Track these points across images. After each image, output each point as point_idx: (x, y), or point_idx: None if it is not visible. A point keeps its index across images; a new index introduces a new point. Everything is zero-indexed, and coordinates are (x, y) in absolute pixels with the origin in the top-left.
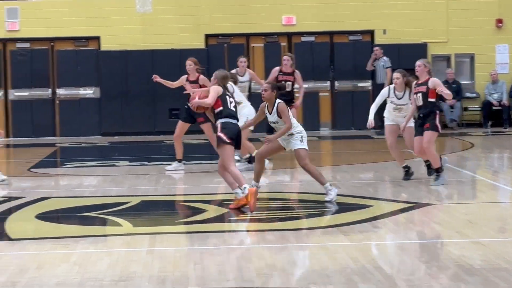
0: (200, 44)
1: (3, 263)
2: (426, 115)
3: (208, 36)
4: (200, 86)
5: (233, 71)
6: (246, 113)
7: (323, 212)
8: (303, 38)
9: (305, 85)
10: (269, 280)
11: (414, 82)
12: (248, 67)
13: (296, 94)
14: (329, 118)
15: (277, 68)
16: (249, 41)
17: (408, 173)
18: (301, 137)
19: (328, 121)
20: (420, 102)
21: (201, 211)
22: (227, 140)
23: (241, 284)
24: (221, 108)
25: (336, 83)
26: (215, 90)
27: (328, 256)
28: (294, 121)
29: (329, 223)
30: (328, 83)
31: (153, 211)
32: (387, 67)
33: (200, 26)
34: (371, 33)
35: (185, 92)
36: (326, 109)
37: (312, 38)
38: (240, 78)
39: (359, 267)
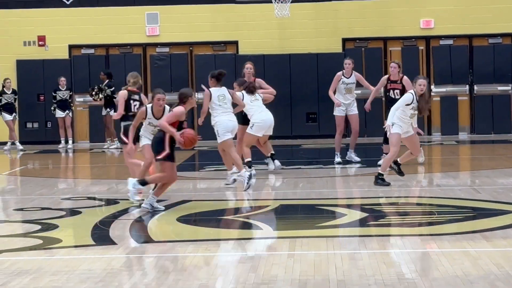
0: (337, 48)
1: (146, 265)
2: None
3: (345, 40)
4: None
5: (339, 73)
6: None
7: (464, 218)
8: (442, 42)
9: (443, 89)
10: (411, 286)
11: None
12: (385, 70)
13: None
14: (467, 123)
15: (386, 76)
16: (386, 45)
17: None
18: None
19: (466, 125)
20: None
21: (341, 215)
22: None
23: None
24: None
25: (475, 87)
26: None
27: (471, 262)
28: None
29: (471, 229)
30: (467, 87)
31: (293, 215)
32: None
33: (337, 30)
34: (511, 36)
35: None
36: (465, 113)
37: (450, 42)
38: (345, 80)
39: (503, 273)
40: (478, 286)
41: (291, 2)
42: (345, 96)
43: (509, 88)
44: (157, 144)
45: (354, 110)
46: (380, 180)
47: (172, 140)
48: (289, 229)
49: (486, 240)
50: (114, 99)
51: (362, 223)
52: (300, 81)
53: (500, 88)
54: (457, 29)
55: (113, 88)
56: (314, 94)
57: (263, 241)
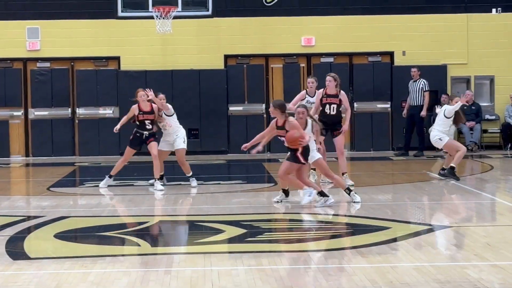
0: (219, 64)
1: (22, 282)
2: None
3: (227, 57)
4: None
5: (303, 92)
6: None
7: (340, 234)
8: (323, 59)
9: None
10: None
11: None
12: (267, 87)
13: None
14: (348, 140)
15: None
16: (268, 61)
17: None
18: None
19: (347, 142)
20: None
21: (219, 231)
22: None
23: None
24: None
25: (355, 104)
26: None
27: (346, 278)
28: None
29: (348, 245)
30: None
31: (171, 231)
32: (426, 91)
33: (219, 46)
34: (390, 54)
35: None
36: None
37: (331, 59)
38: (310, 99)
39: None
40: None
41: (173, 18)
42: None
43: (388, 106)
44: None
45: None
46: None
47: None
48: (167, 245)
49: (361, 256)
50: None
51: (240, 239)
52: (182, 97)
53: (379, 105)
54: (338, 47)
55: None
56: (196, 110)
57: (140, 257)
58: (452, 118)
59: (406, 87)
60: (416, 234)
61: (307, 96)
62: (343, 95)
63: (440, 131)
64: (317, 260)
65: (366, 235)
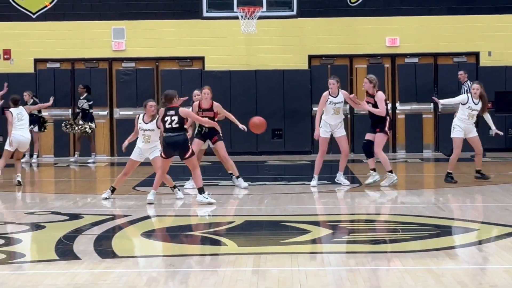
0: (303, 65)
1: (111, 280)
2: None
3: (311, 57)
4: (215, 113)
5: (325, 93)
6: None
7: (427, 235)
8: (407, 60)
9: (408, 107)
10: None
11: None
12: (351, 88)
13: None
14: (432, 141)
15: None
16: (352, 62)
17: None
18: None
19: (431, 143)
20: None
21: (305, 231)
22: None
23: None
24: None
25: (440, 105)
26: None
27: (435, 280)
28: None
29: (435, 246)
30: (432, 105)
31: (257, 231)
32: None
33: (303, 47)
34: (476, 54)
35: None
36: (429, 131)
37: (416, 60)
38: (332, 99)
39: None
40: None
41: (258, 18)
42: (333, 117)
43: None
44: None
45: (341, 132)
46: (449, 178)
47: None
48: (254, 245)
49: (449, 258)
50: (90, 112)
51: (327, 240)
52: (266, 97)
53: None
54: (422, 48)
55: (91, 102)
56: (280, 111)
57: (227, 257)
58: (469, 107)
59: (493, 87)
60: (505, 236)
61: (329, 96)
62: (379, 95)
63: (457, 119)
64: (404, 261)
65: (453, 236)
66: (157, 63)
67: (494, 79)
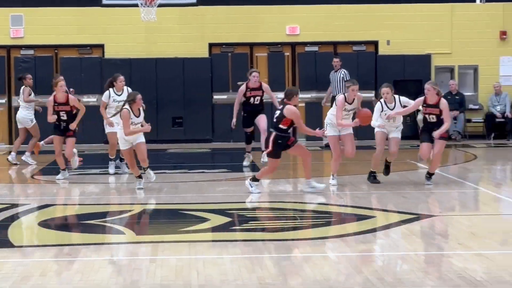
0: (203, 53)
1: (6, 270)
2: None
3: (212, 45)
4: None
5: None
6: None
7: (326, 223)
8: (307, 48)
9: (308, 95)
10: None
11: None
12: None
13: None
14: None
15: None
16: (253, 50)
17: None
18: None
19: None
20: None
21: (204, 220)
22: None
23: None
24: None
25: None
26: None
27: (331, 267)
28: None
29: (332, 234)
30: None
31: (156, 220)
32: (346, 81)
33: (204, 35)
34: (375, 43)
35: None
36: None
37: (315, 48)
38: (347, 107)
39: (362, 277)
40: None
41: (158, 6)
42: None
43: (372, 95)
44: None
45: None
46: (372, 177)
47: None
48: (152, 233)
49: (346, 245)
50: None
51: (225, 228)
52: (166, 85)
53: (363, 94)
54: (322, 36)
55: None
56: (180, 99)
57: (125, 246)
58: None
59: (391, 76)
60: (401, 223)
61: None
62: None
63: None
64: (302, 249)
65: (350, 224)
66: (56, 51)
67: (392, 68)
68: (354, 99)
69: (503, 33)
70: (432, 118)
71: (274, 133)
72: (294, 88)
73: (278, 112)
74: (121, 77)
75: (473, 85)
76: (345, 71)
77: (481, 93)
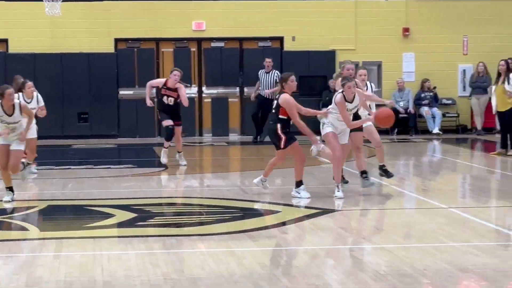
0: (109, 48)
1: None
2: None
3: (117, 40)
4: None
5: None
6: None
7: (231, 218)
8: (213, 44)
9: (214, 91)
10: (177, 285)
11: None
12: (158, 72)
13: None
14: (238, 124)
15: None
16: (159, 46)
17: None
18: None
19: (237, 127)
20: None
21: (110, 215)
22: None
23: None
24: None
25: (246, 89)
26: None
27: (236, 262)
28: None
29: (238, 229)
30: (238, 89)
31: (60, 216)
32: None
33: (110, 30)
34: (280, 39)
35: None
36: (235, 115)
37: (221, 44)
38: (349, 106)
39: (266, 272)
40: (242, 285)
41: (63, 1)
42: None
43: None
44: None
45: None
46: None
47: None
48: (56, 230)
49: (251, 240)
50: None
51: (130, 223)
52: (72, 80)
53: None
54: (228, 32)
55: None
56: (86, 94)
57: (28, 242)
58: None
59: (297, 72)
60: (306, 217)
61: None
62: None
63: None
64: (207, 244)
65: (256, 218)
66: None
67: (297, 64)
68: (354, 96)
69: (406, 30)
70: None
71: (278, 125)
72: (286, 73)
73: (275, 102)
74: (29, 83)
75: (377, 81)
76: (278, 72)
77: (385, 89)
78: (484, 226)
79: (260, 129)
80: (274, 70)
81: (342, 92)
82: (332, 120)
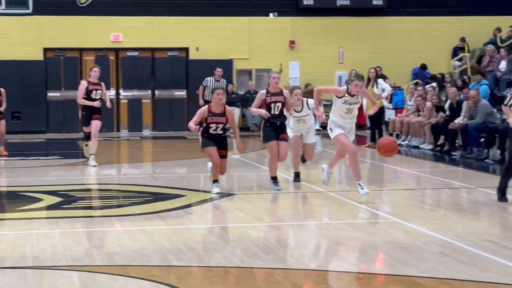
0: (39, 56)
1: None
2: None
3: (46, 50)
4: None
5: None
6: None
7: (144, 201)
8: (129, 53)
9: (130, 93)
10: (96, 259)
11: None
12: (81, 77)
13: None
14: (150, 121)
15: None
16: (82, 54)
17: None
18: None
19: (149, 123)
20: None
21: (38, 200)
22: None
23: (71, 262)
24: None
25: (157, 92)
26: None
27: (148, 239)
28: None
29: (149, 210)
30: (150, 92)
31: None
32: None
33: (40, 41)
34: (186, 50)
35: None
36: (148, 113)
37: (136, 53)
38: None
39: (174, 247)
40: (152, 258)
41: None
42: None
43: (184, 93)
44: None
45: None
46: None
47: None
48: None
49: (161, 220)
50: None
51: (57, 206)
52: (6, 84)
53: (177, 93)
54: (142, 43)
55: None
56: (19, 96)
57: None
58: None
59: (200, 77)
60: (207, 201)
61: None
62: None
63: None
64: (123, 223)
65: (165, 201)
66: None
67: (201, 71)
68: (357, 94)
69: (292, 42)
70: None
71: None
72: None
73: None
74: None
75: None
76: (226, 81)
77: None
78: (357, 206)
79: None
80: (223, 80)
81: (348, 85)
82: (337, 120)
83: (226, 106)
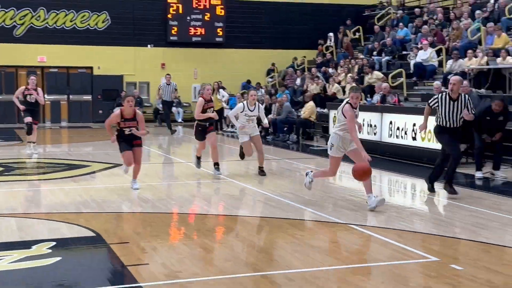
0: None
1: None
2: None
3: None
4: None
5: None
6: None
7: (62, 169)
8: (51, 70)
9: (52, 97)
10: (29, 208)
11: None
12: (17, 87)
13: None
14: (66, 116)
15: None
16: (17, 70)
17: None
18: None
19: (66, 117)
20: None
21: None
22: None
23: (10, 211)
24: None
25: (71, 96)
26: None
27: (65, 195)
28: None
29: (66, 176)
30: (66, 96)
31: None
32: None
33: None
34: (91, 68)
35: None
36: (65, 110)
37: (56, 70)
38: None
39: (83, 200)
40: (68, 208)
41: None
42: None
43: (90, 97)
44: None
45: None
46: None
47: None
48: None
49: (74, 182)
50: None
51: (1, 173)
52: None
53: (84, 97)
54: (61, 62)
55: None
56: None
57: None
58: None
59: (102, 87)
60: (109, 168)
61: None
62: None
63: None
64: (47, 185)
65: (77, 169)
66: None
67: (102, 83)
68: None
69: (163, 64)
70: None
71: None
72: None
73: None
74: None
75: (147, 93)
76: (175, 83)
77: (152, 96)
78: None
79: (169, 122)
80: (172, 82)
81: (348, 101)
82: (342, 134)
83: (137, 111)
